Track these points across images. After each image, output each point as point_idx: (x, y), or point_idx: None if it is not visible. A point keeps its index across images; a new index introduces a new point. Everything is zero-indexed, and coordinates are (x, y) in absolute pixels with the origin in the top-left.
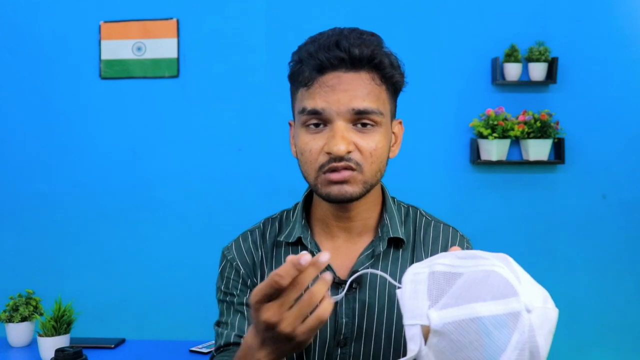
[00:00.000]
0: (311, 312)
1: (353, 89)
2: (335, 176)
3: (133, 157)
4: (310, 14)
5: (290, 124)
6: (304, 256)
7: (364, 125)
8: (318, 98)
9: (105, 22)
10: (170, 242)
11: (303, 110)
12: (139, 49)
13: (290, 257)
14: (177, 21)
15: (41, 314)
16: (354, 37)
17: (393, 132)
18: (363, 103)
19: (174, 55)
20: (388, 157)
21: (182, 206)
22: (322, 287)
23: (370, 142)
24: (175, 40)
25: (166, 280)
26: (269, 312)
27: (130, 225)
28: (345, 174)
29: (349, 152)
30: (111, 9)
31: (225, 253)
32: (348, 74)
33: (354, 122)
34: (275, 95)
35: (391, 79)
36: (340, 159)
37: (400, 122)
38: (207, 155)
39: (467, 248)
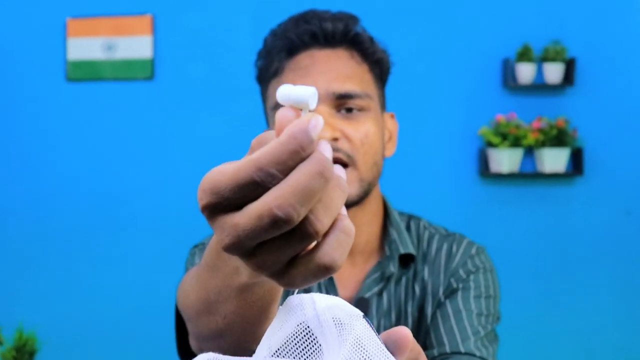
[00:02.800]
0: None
1: (330, 69)
2: None
3: (102, 168)
4: (299, 10)
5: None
6: (317, 120)
7: (349, 110)
8: (298, 80)
9: (72, 18)
10: (145, 262)
11: (276, 106)
12: (109, 48)
13: (287, 130)
14: (152, 17)
15: (0, 344)
16: (324, 12)
17: (386, 127)
18: (344, 85)
19: (149, 55)
20: (384, 152)
21: (156, 223)
22: (333, 203)
23: (361, 129)
24: (149, 38)
25: (139, 305)
26: (226, 234)
27: (99, 245)
28: None
29: (335, 140)
30: (78, 3)
31: (197, 246)
32: (323, 52)
33: (337, 108)
34: (261, 101)
35: (373, 55)
36: None
37: (392, 116)
38: (184, 166)
39: (475, 255)
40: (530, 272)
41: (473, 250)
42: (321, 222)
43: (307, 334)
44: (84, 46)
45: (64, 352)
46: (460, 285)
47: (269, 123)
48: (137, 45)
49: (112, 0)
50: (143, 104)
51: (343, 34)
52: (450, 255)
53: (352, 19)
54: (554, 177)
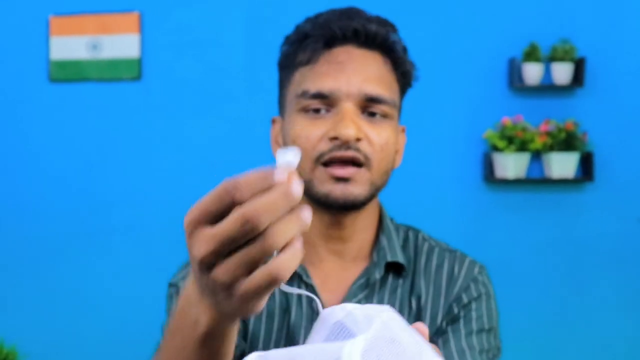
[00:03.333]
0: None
1: (365, 70)
2: (339, 171)
3: (87, 172)
4: (296, 8)
5: (273, 121)
6: (282, 170)
7: (372, 114)
8: (326, 76)
9: (55, 15)
10: (131, 271)
11: (304, 93)
12: (94, 47)
13: (261, 168)
14: (139, 14)
15: None
16: (366, 13)
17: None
18: (377, 88)
19: (136, 54)
20: (394, 165)
21: (144, 229)
22: (291, 225)
23: (382, 135)
24: (137, 36)
25: (126, 316)
26: (203, 243)
27: (83, 252)
28: (350, 170)
29: (358, 140)
30: (62, 0)
31: (176, 283)
32: (360, 51)
33: (362, 109)
34: (254, 102)
35: (403, 66)
36: (348, 147)
37: (403, 130)
38: (173, 170)
39: (478, 277)
40: (538, 282)
41: (476, 271)
42: (281, 237)
43: (341, 327)
44: (68, 45)
45: None
46: (462, 314)
47: (285, 110)
48: (123, 44)
49: None
50: (130, 105)
51: (383, 38)
52: (452, 277)
53: (392, 26)
54: (563, 183)
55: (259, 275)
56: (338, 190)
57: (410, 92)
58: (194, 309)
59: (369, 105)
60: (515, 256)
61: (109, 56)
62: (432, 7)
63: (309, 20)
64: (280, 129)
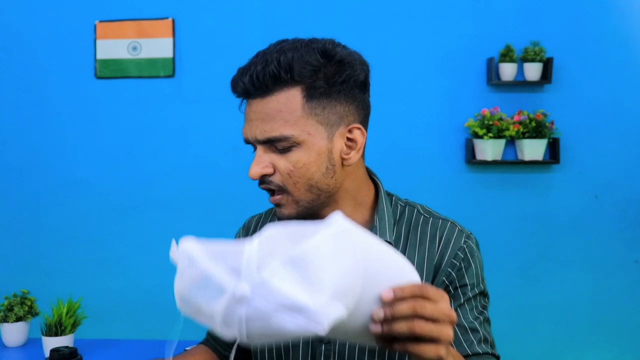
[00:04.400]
0: None
1: (259, 118)
2: (271, 199)
3: (129, 157)
4: (306, 13)
5: None
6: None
7: (280, 147)
8: (244, 126)
9: (101, 21)
10: (166, 242)
11: (247, 141)
12: (134, 48)
13: None
14: (173, 21)
15: (36, 314)
16: (256, 63)
17: (350, 139)
18: (264, 133)
19: (170, 54)
20: (327, 171)
21: (177, 206)
22: None
23: (287, 163)
24: (170, 39)
25: (162, 280)
26: None
27: (125, 225)
28: (277, 197)
29: (269, 175)
30: (106, 8)
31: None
32: (256, 101)
33: (275, 146)
34: None
35: (317, 86)
36: (262, 182)
37: (359, 128)
38: (202, 155)
39: (466, 243)
40: (511, 250)
41: (455, 232)
42: None
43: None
44: (112, 47)
45: (93, 323)
46: (458, 283)
47: None
48: (159, 46)
49: (137, 6)
50: (165, 98)
51: (277, 79)
52: (444, 242)
53: (273, 57)
54: (533, 164)
55: None
56: (278, 212)
57: (402, 88)
58: None
59: (271, 143)
60: (492, 227)
61: (146, 56)
62: (420, 14)
63: (238, 70)
64: None
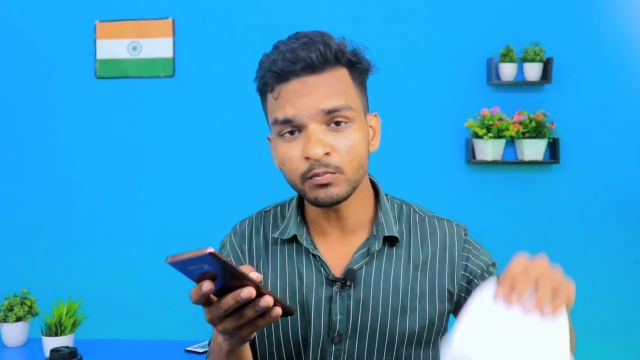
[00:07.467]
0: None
1: (318, 91)
2: (319, 179)
3: (128, 157)
4: (307, 13)
5: (268, 139)
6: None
7: (338, 123)
8: (287, 106)
9: (101, 21)
10: (166, 241)
11: (275, 121)
12: (134, 48)
13: (234, 295)
14: (173, 21)
15: (36, 314)
16: (309, 42)
17: (370, 126)
18: (331, 102)
19: (170, 54)
20: (368, 152)
21: (177, 205)
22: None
23: (347, 141)
24: (170, 39)
25: (162, 279)
26: (208, 315)
27: (125, 226)
28: (328, 177)
29: (327, 154)
30: (106, 8)
31: (221, 244)
32: (311, 78)
33: (327, 123)
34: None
35: (356, 70)
36: (320, 164)
37: (375, 115)
38: (202, 155)
39: (465, 233)
40: (511, 250)
41: (454, 229)
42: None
43: None
44: (112, 47)
45: (92, 322)
46: (479, 269)
47: (271, 132)
48: (159, 46)
49: (137, 6)
50: (165, 98)
51: (327, 62)
52: (445, 241)
53: (332, 45)
54: (533, 164)
55: (251, 328)
56: (323, 194)
57: (404, 88)
58: (219, 339)
59: (331, 118)
60: (492, 226)
61: (146, 56)
62: (421, 14)
63: (270, 52)
64: (272, 146)
